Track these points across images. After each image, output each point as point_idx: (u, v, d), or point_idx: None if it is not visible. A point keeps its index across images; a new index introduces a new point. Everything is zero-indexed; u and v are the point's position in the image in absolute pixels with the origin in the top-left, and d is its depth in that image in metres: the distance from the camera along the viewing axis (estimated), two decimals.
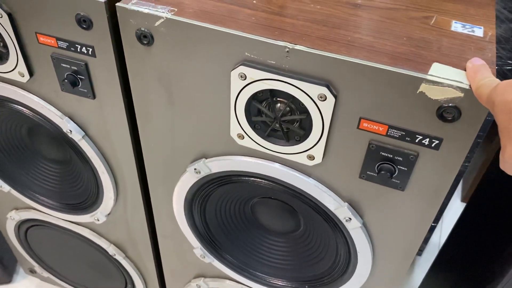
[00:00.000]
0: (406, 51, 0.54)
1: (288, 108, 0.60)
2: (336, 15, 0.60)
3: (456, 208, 1.66)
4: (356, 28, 0.57)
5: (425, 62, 0.52)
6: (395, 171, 0.59)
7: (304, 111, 0.59)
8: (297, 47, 0.54)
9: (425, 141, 0.55)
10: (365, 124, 0.57)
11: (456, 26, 0.59)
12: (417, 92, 0.51)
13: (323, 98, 0.56)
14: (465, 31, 0.58)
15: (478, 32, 0.58)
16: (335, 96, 0.55)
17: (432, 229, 1.44)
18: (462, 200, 1.71)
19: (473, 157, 1.22)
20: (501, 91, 0.40)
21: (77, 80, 0.71)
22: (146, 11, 0.58)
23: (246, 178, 0.71)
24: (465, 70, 0.50)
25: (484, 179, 1.15)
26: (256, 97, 0.61)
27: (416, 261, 1.51)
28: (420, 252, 1.50)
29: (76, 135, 0.79)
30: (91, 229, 1.03)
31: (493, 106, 0.41)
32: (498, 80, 0.44)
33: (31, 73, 0.75)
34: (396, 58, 0.53)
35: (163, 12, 0.58)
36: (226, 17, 0.58)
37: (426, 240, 1.47)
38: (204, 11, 0.59)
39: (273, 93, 0.59)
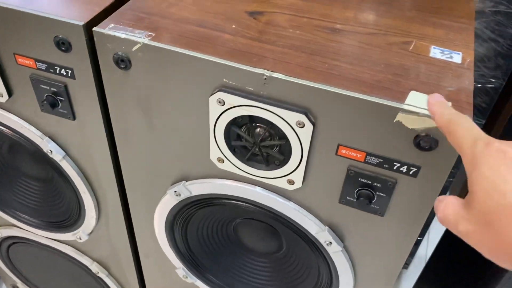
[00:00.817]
0: (384, 79, 0.54)
1: (267, 133, 0.60)
2: (315, 40, 0.60)
3: None
4: (334, 54, 0.57)
5: (402, 90, 0.52)
6: (374, 197, 0.59)
7: (283, 136, 0.58)
8: (275, 74, 0.54)
9: (403, 169, 0.55)
10: (343, 151, 0.57)
11: (435, 52, 0.59)
12: (394, 121, 0.51)
13: (302, 125, 0.55)
14: (444, 57, 0.58)
15: (457, 58, 0.58)
16: (313, 123, 0.55)
17: (418, 243, 1.44)
18: None
19: (458, 172, 1.22)
20: (495, 158, 0.34)
21: (56, 102, 0.70)
22: (123, 36, 0.58)
23: (227, 201, 0.70)
24: (447, 102, 0.48)
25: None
26: (235, 122, 0.60)
27: (403, 274, 1.51)
28: (406, 265, 1.50)
29: (57, 156, 0.78)
30: (73, 247, 1.02)
31: (473, 170, 0.36)
32: (475, 126, 0.39)
33: (10, 93, 0.74)
34: (373, 86, 0.53)
35: (140, 37, 0.58)
36: (204, 42, 0.58)
37: (412, 253, 1.48)
38: (182, 35, 0.59)
39: (252, 118, 0.59)
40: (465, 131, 0.39)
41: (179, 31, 0.60)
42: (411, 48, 0.59)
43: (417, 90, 0.52)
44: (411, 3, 0.69)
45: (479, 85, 0.99)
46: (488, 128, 1.08)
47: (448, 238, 1.20)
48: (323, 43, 0.59)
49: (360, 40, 0.60)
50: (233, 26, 0.61)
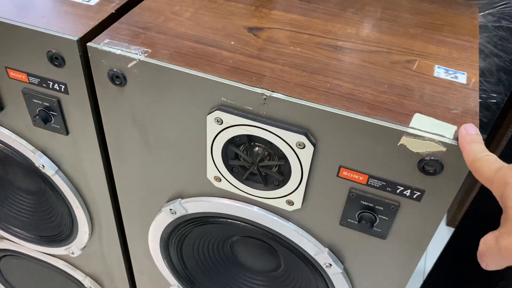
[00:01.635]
0: (387, 100, 0.52)
1: (266, 153, 0.58)
2: (316, 58, 0.58)
3: (441, 232, 1.65)
4: (336, 73, 0.56)
5: (406, 112, 0.51)
6: (376, 220, 0.57)
7: (283, 157, 0.56)
8: (275, 94, 0.52)
9: (407, 192, 0.53)
10: (345, 173, 0.55)
11: (439, 72, 0.57)
12: (398, 144, 0.49)
13: (302, 146, 0.54)
14: (448, 77, 0.56)
15: (461, 78, 0.57)
16: (314, 145, 0.53)
17: None
18: (447, 224, 1.69)
19: None
20: None
21: (49, 116, 0.68)
22: (118, 52, 0.56)
23: (224, 219, 0.68)
24: (452, 126, 0.48)
25: (472, 207, 1.13)
26: (233, 141, 0.58)
27: None
28: None
29: (49, 170, 0.76)
30: (66, 261, 1.00)
31: (505, 187, 0.38)
32: (500, 160, 0.41)
33: (1, 107, 0.72)
34: (376, 108, 0.51)
35: (136, 53, 0.56)
36: (202, 59, 0.56)
37: None
38: (180, 52, 0.57)
39: (250, 138, 0.57)
40: (490, 165, 0.41)
41: (176, 47, 0.58)
42: (414, 67, 0.58)
43: (421, 112, 0.50)
44: (414, 19, 0.68)
45: (481, 100, 0.97)
46: (490, 142, 1.07)
47: (448, 253, 1.18)
48: (325, 61, 0.58)
49: (362, 58, 0.59)
50: (232, 42, 0.60)
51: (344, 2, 0.71)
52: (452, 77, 0.57)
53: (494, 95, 0.96)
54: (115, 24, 0.61)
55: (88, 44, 0.57)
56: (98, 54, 0.57)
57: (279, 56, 0.58)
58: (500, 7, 0.85)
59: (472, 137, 0.46)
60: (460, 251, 1.13)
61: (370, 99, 0.52)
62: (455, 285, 1.15)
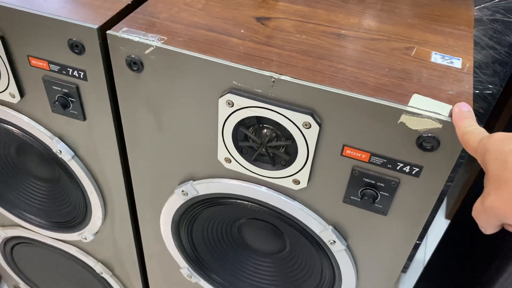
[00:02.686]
0: (388, 82, 0.56)
1: (274, 134, 0.62)
2: (321, 45, 0.62)
3: (440, 225, 1.69)
4: (340, 58, 0.59)
5: (405, 93, 0.54)
6: (378, 196, 0.61)
7: (290, 137, 0.60)
8: (283, 77, 0.56)
9: (406, 169, 0.57)
10: (348, 151, 0.59)
11: (436, 57, 0.61)
12: (398, 122, 0.53)
13: (308, 126, 0.57)
14: (445, 63, 0.60)
15: (457, 63, 0.60)
16: (319, 124, 0.57)
17: (416, 247, 1.46)
18: (446, 217, 1.73)
19: (456, 176, 1.25)
20: (498, 140, 0.42)
21: (68, 103, 0.72)
22: (136, 39, 0.60)
23: (233, 200, 0.72)
24: (448, 105, 0.52)
25: (467, 198, 1.17)
26: (243, 123, 0.62)
27: (401, 278, 1.53)
28: (405, 269, 1.52)
29: (66, 156, 0.80)
30: (78, 247, 1.03)
31: (484, 154, 0.42)
32: (486, 131, 0.45)
33: (22, 94, 0.76)
34: (378, 89, 0.55)
35: (153, 40, 0.60)
36: (214, 46, 0.60)
37: (411, 257, 1.49)
38: (193, 40, 0.61)
39: (259, 119, 0.61)
40: (476, 136, 0.46)
41: (190, 35, 0.62)
42: (413, 53, 0.62)
43: (419, 93, 0.54)
44: (413, 11, 0.72)
45: (477, 91, 1.01)
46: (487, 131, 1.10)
47: (446, 243, 1.22)
48: (329, 48, 0.61)
49: (364, 45, 0.63)
50: (242, 31, 0.64)
51: None
52: (448, 62, 0.60)
53: (490, 86, 0.99)
54: (132, 14, 0.65)
55: (108, 31, 0.61)
56: (117, 41, 0.61)
57: (286, 43, 0.62)
58: (495, 1, 0.89)
59: (464, 114, 0.50)
60: (456, 242, 1.17)
61: (372, 82, 0.56)
62: (452, 272, 1.19)
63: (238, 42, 0.61)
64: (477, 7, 0.91)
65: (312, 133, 0.58)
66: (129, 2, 0.68)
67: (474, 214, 0.44)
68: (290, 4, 0.71)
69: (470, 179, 1.53)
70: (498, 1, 0.89)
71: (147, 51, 0.60)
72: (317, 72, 0.57)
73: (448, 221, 1.71)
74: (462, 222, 1.15)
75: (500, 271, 0.89)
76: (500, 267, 0.86)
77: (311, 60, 0.59)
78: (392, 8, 0.72)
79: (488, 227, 0.44)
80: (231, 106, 0.60)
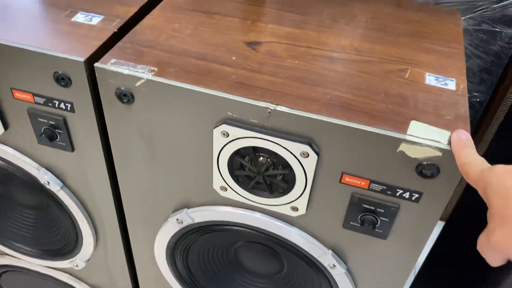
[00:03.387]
0: (385, 109, 0.55)
1: (271, 162, 0.61)
2: (314, 70, 0.61)
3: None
4: (335, 84, 0.59)
5: (403, 120, 0.54)
6: (377, 222, 0.60)
7: (287, 166, 0.59)
8: (279, 107, 0.55)
9: (406, 195, 0.57)
10: (347, 179, 0.58)
11: (430, 79, 0.61)
12: (397, 150, 0.53)
13: (306, 155, 0.57)
14: (439, 85, 0.60)
15: (451, 85, 0.60)
16: (317, 153, 0.56)
17: None
18: (440, 219, 1.74)
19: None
20: (499, 174, 0.41)
21: (55, 134, 0.70)
22: (126, 72, 0.58)
23: (230, 227, 0.71)
24: (446, 132, 0.52)
25: (462, 199, 1.18)
26: (239, 152, 0.61)
27: None
28: None
29: (54, 187, 0.77)
30: (70, 274, 1.01)
31: (486, 187, 0.42)
32: (486, 162, 0.45)
33: (5, 127, 0.73)
34: (375, 116, 0.54)
35: (143, 72, 0.58)
36: (207, 76, 0.59)
37: None
38: (185, 70, 0.60)
39: (256, 149, 0.60)
40: (476, 167, 0.45)
41: (181, 65, 0.60)
42: (407, 75, 0.61)
43: (417, 120, 0.54)
44: (402, 28, 0.72)
45: None
46: (475, 139, 1.12)
47: (440, 247, 1.23)
48: (323, 73, 0.61)
49: (358, 69, 0.62)
50: (233, 58, 0.62)
51: (335, 13, 0.74)
52: (442, 84, 0.60)
53: (477, 94, 1.00)
54: (119, 43, 0.64)
55: (96, 64, 0.59)
56: (105, 74, 0.59)
57: (279, 70, 0.61)
58: (480, 11, 0.90)
59: (463, 142, 0.49)
60: (450, 246, 1.18)
61: (368, 108, 0.55)
62: (446, 277, 1.20)
63: (230, 70, 0.60)
64: (463, 18, 0.91)
65: (311, 162, 0.57)
66: (115, 30, 0.66)
67: (480, 248, 0.44)
68: (279, 26, 0.70)
69: (463, 182, 1.54)
70: (483, 11, 0.89)
71: (137, 84, 0.59)
72: (312, 101, 0.56)
73: (442, 223, 1.72)
74: (457, 224, 1.16)
75: (495, 279, 0.90)
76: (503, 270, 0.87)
77: (306, 87, 0.58)
78: (382, 26, 0.72)
79: (495, 261, 0.43)
80: (226, 137, 0.59)
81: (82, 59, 0.59)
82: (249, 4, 0.75)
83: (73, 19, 0.67)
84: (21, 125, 0.72)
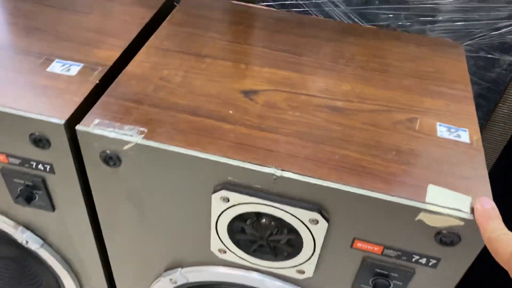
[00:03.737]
0: (398, 170, 0.51)
1: (275, 227, 0.56)
2: (318, 124, 0.56)
3: None
4: (341, 141, 0.54)
5: (419, 183, 0.50)
6: (390, 285, 0.56)
7: (293, 230, 0.55)
8: (285, 174, 0.50)
9: (422, 260, 0.53)
10: (359, 244, 0.54)
11: (442, 130, 0.57)
12: (416, 219, 0.49)
13: (315, 222, 0.52)
14: (451, 137, 0.56)
15: (464, 136, 0.56)
16: (327, 220, 0.52)
17: None
18: None
19: None
20: None
21: (33, 195, 0.63)
22: (112, 135, 0.52)
23: (227, 287, 0.66)
24: (467, 197, 0.48)
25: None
26: (240, 216, 0.56)
27: None
28: None
29: (34, 245, 0.71)
30: None
31: None
32: None
33: None
34: (389, 180, 0.50)
35: (131, 135, 0.52)
36: (202, 136, 0.53)
37: None
38: (177, 129, 0.54)
39: (259, 213, 0.55)
40: (506, 246, 0.41)
41: (173, 122, 0.55)
42: (417, 127, 0.57)
43: (434, 183, 0.50)
44: (405, 67, 0.68)
45: None
46: None
47: None
48: (327, 127, 0.56)
49: (364, 121, 0.57)
50: (230, 111, 0.57)
51: (333, 52, 0.70)
52: (455, 136, 0.56)
53: None
54: (103, 98, 0.57)
55: (78, 128, 0.53)
56: (88, 137, 0.53)
57: (281, 125, 0.56)
58: (477, 39, 0.87)
59: (488, 212, 0.45)
60: None
61: (380, 171, 0.51)
62: None
63: (229, 128, 0.55)
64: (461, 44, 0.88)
65: (320, 229, 0.53)
66: (97, 82, 0.59)
67: None
68: (275, 69, 0.65)
69: None
70: (480, 39, 0.86)
71: (125, 147, 0.53)
72: (321, 163, 0.51)
73: None
74: None
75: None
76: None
77: (311, 146, 0.53)
78: (383, 66, 0.68)
79: None
80: (227, 202, 0.54)
81: (62, 122, 0.53)
82: (239, 43, 0.70)
83: (49, 69, 0.61)
84: None
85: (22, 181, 0.62)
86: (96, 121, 0.54)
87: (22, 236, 0.70)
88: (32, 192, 0.63)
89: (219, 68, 0.64)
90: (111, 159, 0.55)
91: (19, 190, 0.63)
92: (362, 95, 0.62)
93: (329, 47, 0.70)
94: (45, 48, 0.65)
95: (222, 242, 0.59)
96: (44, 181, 0.61)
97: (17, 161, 0.60)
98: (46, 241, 0.72)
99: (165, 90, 0.60)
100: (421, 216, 0.48)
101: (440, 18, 0.87)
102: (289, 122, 0.56)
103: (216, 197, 0.54)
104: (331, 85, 0.63)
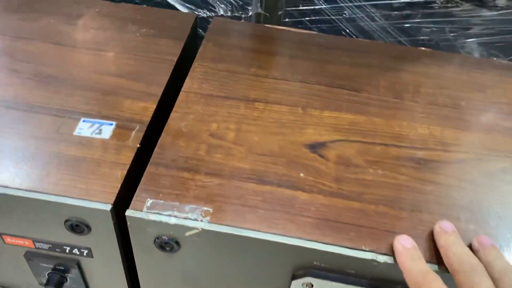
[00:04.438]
0: None
1: None
2: (406, 184, 0.48)
3: None
4: (440, 207, 0.46)
5: None
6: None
7: None
8: (387, 259, 0.42)
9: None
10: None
11: None
12: None
13: None
14: None
15: None
16: None
17: None
18: None
19: None
20: None
21: (63, 279, 0.53)
22: (172, 221, 0.43)
23: None
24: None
25: None
26: None
27: None
28: None
29: None
30: None
31: None
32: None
33: None
34: None
35: (195, 219, 0.43)
36: (277, 211, 0.45)
37: None
38: (247, 205, 0.45)
39: None
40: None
41: (240, 196, 0.46)
42: None
43: None
44: (477, 101, 0.60)
45: None
46: None
47: None
48: (417, 189, 0.48)
49: (456, 176, 0.50)
50: (301, 174, 0.48)
51: (393, 85, 0.61)
52: None
53: None
54: (149, 168, 0.48)
55: (128, 213, 0.43)
56: (141, 223, 0.44)
57: (363, 189, 0.48)
58: None
59: (408, 249, 0.41)
60: None
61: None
62: None
63: (305, 198, 0.46)
64: (509, 59, 0.81)
65: None
66: (138, 145, 0.50)
67: None
68: (338, 112, 0.56)
69: None
70: None
71: (188, 234, 0.44)
72: (426, 241, 0.43)
73: None
74: None
75: None
76: None
77: (407, 216, 0.45)
78: (454, 100, 0.60)
79: None
80: None
81: (108, 208, 0.43)
82: (288, 80, 0.61)
83: (76, 132, 0.50)
84: (16, 268, 0.55)
85: (51, 265, 0.52)
86: (149, 202, 0.44)
87: None
88: (64, 275, 0.53)
89: (274, 116, 0.55)
90: (168, 244, 0.45)
91: (46, 274, 0.53)
92: (442, 140, 0.54)
93: (387, 79, 0.62)
94: (65, 102, 0.54)
95: None
96: (79, 265, 0.52)
97: (46, 246, 0.50)
98: None
99: (220, 150, 0.50)
100: None
101: (487, 31, 0.79)
102: (372, 185, 0.48)
103: (297, 284, 0.45)
104: (405, 128, 0.55)
